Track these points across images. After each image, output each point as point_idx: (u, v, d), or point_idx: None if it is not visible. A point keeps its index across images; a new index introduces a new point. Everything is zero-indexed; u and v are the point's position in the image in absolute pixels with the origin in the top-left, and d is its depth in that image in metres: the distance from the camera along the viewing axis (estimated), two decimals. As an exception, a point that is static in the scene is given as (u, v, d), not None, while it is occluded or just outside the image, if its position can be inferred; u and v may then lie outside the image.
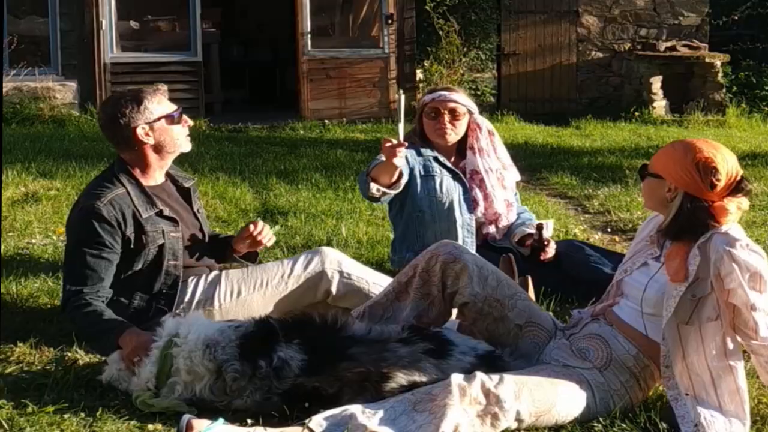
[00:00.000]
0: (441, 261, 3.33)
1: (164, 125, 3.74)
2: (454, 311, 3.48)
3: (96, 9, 11.17)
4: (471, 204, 4.49)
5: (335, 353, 3.06)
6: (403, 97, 4.15)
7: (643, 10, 13.34)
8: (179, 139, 3.79)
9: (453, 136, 4.50)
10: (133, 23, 12.03)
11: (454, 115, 4.47)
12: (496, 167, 4.56)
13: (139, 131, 3.69)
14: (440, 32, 12.23)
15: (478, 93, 13.99)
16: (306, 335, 3.11)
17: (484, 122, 4.59)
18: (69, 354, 3.61)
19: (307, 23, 11.71)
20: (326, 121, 11.46)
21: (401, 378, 3.01)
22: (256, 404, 3.06)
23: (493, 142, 4.58)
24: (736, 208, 3.02)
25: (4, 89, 10.91)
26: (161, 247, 3.68)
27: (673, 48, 12.76)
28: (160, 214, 3.72)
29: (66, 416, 3.03)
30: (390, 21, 11.82)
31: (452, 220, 4.45)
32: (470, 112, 4.53)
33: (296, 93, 12.01)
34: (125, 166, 3.76)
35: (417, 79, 12.13)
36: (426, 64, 12.33)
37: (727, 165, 3.01)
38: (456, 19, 12.42)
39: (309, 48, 11.73)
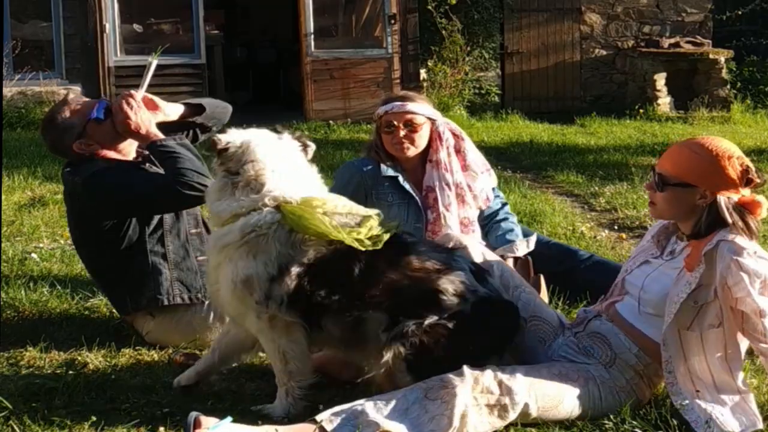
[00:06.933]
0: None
1: (95, 127, 3.74)
2: None
3: (99, 13, 11.19)
4: (421, 236, 4.08)
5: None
6: (154, 63, 3.91)
7: (646, 7, 13.33)
8: (122, 123, 3.69)
9: (412, 149, 4.12)
10: (136, 26, 12.04)
11: (412, 126, 4.10)
12: (457, 181, 4.17)
13: (77, 148, 3.74)
14: (443, 32, 12.24)
15: (483, 92, 14.00)
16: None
17: (448, 129, 4.22)
18: (79, 358, 3.62)
19: (310, 24, 11.72)
20: (331, 121, 11.46)
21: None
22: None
23: (462, 149, 4.23)
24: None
25: (9, 94, 10.94)
26: None
27: (676, 44, 12.73)
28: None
29: (77, 420, 3.03)
30: (393, 21, 11.82)
31: None
32: (432, 121, 4.16)
33: (300, 94, 12.01)
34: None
35: (421, 78, 12.14)
36: (430, 63, 12.34)
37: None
38: (459, 18, 12.43)
39: (312, 49, 11.74)
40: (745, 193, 3.03)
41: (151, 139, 3.69)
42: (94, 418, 3.03)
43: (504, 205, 4.44)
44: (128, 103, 3.69)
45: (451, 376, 2.91)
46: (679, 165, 3.05)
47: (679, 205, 3.06)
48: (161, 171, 3.71)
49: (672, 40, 12.84)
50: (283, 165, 3.15)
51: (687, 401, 2.98)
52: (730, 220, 2.99)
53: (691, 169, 3.02)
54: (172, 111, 3.92)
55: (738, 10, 13.65)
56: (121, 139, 3.79)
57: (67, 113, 3.78)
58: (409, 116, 4.10)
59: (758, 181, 3.02)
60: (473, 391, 2.87)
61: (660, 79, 12.43)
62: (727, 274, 2.93)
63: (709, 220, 3.02)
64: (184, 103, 4.04)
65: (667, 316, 3.01)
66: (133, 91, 3.77)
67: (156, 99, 3.84)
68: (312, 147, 3.32)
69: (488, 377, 2.91)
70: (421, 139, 4.14)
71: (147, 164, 3.82)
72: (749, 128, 11.37)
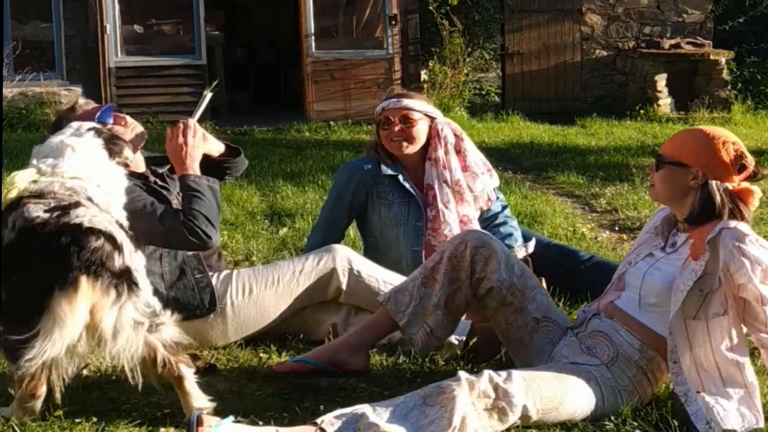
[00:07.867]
0: (471, 246, 3.35)
1: None
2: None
3: (100, 13, 11.19)
4: (422, 235, 4.13)
5: None
6: (209, 96, 3.86)
7: (647, 8, 13.32)
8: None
9: (408, 145, 4.12)
10: (137, 27, 12.04)
11: (407, 122, 4.10)
12: (456, 178, 4.15)
13: None
14: (444, 33, 12.24)
15: (483, 93, 14.01)
16: None
17: (447, 127, 4.18)
18: (79, 358, 3.61)
19: (310, 25, 11.72)
20: (331, 122, 11.46)
21: None
22: None
23: (462, 149, 4.20)
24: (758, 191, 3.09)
25: (10, 95, 10.96)
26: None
27: (677, 45, 12.72)
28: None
29: (78, 421, 3.03)
30: (393, 22, 11.82)
31: (400, 252, 4.13)
32: (430, 118, 4.16)
33: (301, 94, 12.02)
34: None
35: (422, 79, 12.14)
36: (430, 64, 12.34)
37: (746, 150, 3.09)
38: (460, 19, 12.43)
39: (313, 49, 11.74)
40: (743, 184, 3.07)
41: (188, 170, 3.58)
42: (94, 419, 3.03)
43: (504, 207, 4.43)
44: (187, 128, 3.59)
45: (448, 381, 2.92)
46: (677, 146, 3.16)
47: (673, 184, 3.13)
48: (167, 193, 3.69)
49: (672, 41, 12.83)
50: (55, 153, 3.18)
51: (690, 392, 2.98)
52: (718, 201, 3.04)
53: (686, 150, 3.11)
54: (215, 147, 3.83)
55: (739, 18, 13.62)
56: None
57: (76, 117, 3.71)
58: (404, 111, 4.11)
59: (752, 168, 3.06)
60: (470, 396, 2.88)
61: (660, 80, 12.42)
62: (729, 260, 2.96)
63: (701, 203, 3.07)
64: (225, 144, 3.94)
65: (673, 305, 3.02)
66: (189, 119, 3.67)
67: (205, 133, 3.73)
68: (120, 148, 3.31)
69: (484, 381, 2.92)
70: (418, 135, 4.13)
71: (153, 180, 3.72)
72: (750, 129, 11.37)
